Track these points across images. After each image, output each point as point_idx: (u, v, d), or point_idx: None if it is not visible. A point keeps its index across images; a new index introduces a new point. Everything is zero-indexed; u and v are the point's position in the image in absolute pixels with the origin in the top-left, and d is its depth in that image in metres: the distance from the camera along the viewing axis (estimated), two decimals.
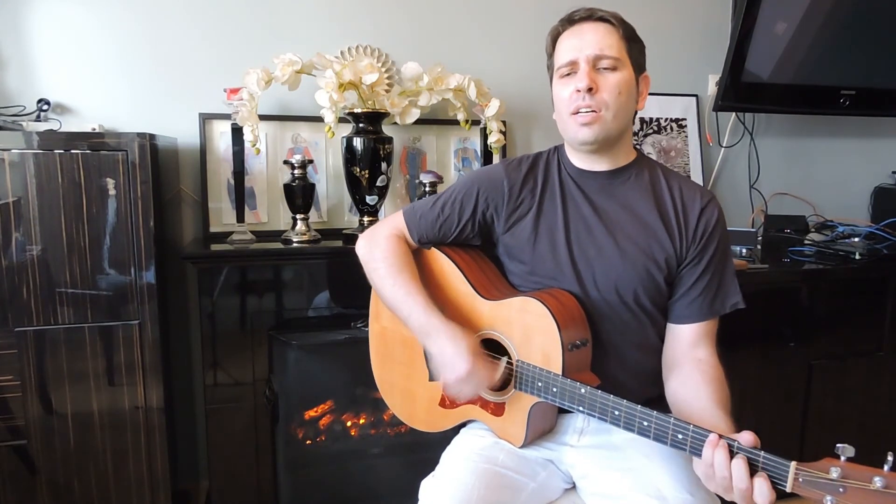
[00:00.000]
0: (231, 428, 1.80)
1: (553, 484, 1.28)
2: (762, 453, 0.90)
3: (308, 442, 1.98)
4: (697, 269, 1.23)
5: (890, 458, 0.81)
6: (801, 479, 0.86)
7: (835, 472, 0.83)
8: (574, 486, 1.29)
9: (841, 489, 0.82)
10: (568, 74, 1.22)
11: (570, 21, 1.25)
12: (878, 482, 0.80)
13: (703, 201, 1.25)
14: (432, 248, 1.38)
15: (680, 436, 0.99)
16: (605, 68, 1.19)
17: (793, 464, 0.86)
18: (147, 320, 1.65)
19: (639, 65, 1.25)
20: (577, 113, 1.20)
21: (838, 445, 0.84)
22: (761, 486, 0.89)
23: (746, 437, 0.93)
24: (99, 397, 1.66)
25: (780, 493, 0.90)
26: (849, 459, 0.83)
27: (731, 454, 0.92)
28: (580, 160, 1.30)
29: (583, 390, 1.11)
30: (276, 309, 1.81)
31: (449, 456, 1.29)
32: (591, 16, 1.23)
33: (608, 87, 1.19)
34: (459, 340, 1.18)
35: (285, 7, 2.06)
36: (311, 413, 1.99)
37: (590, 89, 1.18)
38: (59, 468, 1.65)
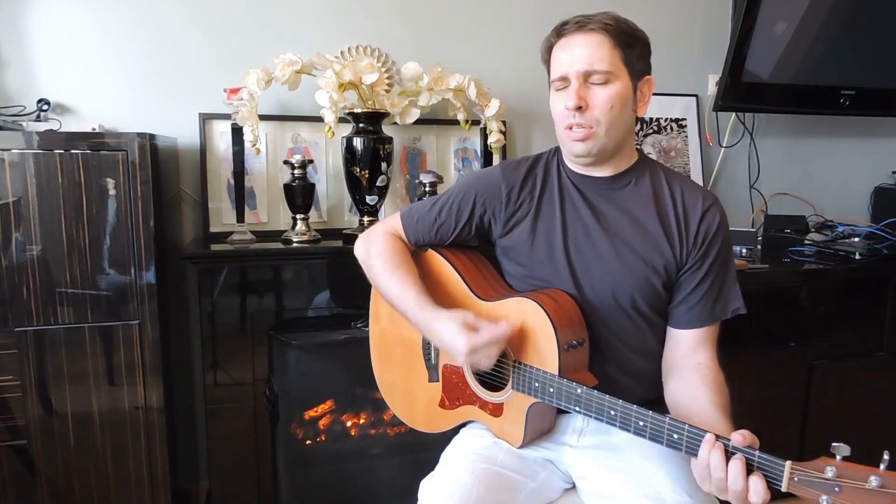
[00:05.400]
0: (231, 428, 1.80)
1: (552, 484, 1.28)
2: (757, 453, 0.90)
3: (308, 442, 1.99)
4: (698, 275, 1.22)
5: (886, 456, 0.81)
6: (796, 479, 0.85)
7: (830, 472, 0.83)
8: (574, 487, 1.29)
9: (836, 488, 0.82)
10: (561, 89, 1.20)
11: (559, 34, 1.20)
12: (874, 481, 0.79)
13: (704, 206, 1.23)
14: (429, 250, 1.38)
15: (675, 435, 0.99)
16: (595, 83, 1.16)
17: (788, 463, 0.86)
18: (147, 320, 1.66)
19: (637, 70, 1.20)
20: (570, 129, 1.19)
21: (834, 444, 0.84)
22: (756, 484, 0.88)
23: (742, 437, 0.92)
24: (99, 397, 1.66)
25: (776, 493, 0.89)
26: (844, 458, 0.83)
27: (728, 455, 0.92)
28: (579, 166, 1.28)
29: (579, 390, 1.11)
30: (276, 309, 1.81)
31: (448, 455, 1.29)
32: (581, 27, 1.17)
33: (598, 104, 1.16)
34: (451, 321, 1.17)
35: (285, 7, 2.06)
36: (311, 413, 1.99)
37: (579, 108, 1.15)
38: (59, 468, 1.65)
